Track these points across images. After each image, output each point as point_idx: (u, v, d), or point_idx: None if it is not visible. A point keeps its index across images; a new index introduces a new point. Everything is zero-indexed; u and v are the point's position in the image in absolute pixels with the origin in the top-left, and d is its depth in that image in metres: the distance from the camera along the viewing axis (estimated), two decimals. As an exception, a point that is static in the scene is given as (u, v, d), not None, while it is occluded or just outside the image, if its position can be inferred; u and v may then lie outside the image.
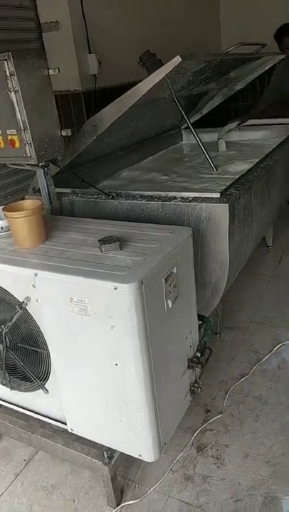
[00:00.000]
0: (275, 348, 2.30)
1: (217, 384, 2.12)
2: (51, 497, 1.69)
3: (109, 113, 1.91)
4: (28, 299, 1.41)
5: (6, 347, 1.56)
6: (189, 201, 1.82)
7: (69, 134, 1.89)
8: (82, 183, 2.13)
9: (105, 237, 1.42)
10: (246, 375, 2.15)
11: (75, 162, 2.41)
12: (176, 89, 2.69)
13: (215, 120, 3.63)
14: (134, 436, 1.42)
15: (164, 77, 1.74)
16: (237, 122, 3.38)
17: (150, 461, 1.45)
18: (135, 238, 1.46)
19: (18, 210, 1.51)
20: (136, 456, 1.46)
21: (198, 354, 1.64)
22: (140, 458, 1.45)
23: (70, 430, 1.57)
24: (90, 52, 3.03)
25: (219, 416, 1.93)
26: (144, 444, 1.42)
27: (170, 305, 1.37)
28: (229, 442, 1.80)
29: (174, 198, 1.88)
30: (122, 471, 1.72)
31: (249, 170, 2.12)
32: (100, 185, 2.54)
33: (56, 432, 1.66)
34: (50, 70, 1.78)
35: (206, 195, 1.82)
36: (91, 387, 1.41)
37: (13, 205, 1.56)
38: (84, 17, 2.93)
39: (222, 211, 1.74)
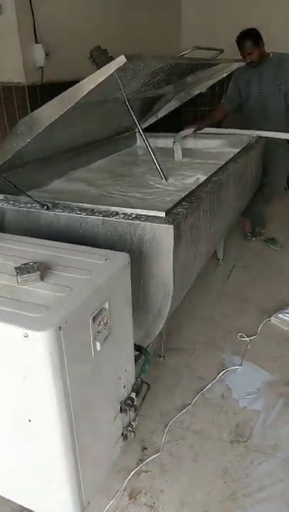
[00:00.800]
0: (220, 375, 2.17)
1: (158, 416, 1.95)
2: None
3: (45, 114, 1.69)
4: None
5: None
6: (132, 219, 1.63)
7: (-3, 135, 1.64)
8: (17, 189, 1.88)
9: (25, 264, 1.20)
10: (188, 405, 2.00)
11: (12, 163, 2.15)
12: (128, 90, 2.49)
13: (173, 125, 3.49)
14: (52, 497, 1.21)
15: (106, 79, 1.53)
16: (193, 129, 3.24)
17: (70, 525, 1.25)
18: (62, 265, 1.25)
19: None
20: (54, 518, 1.26)
21: (134, 394, 1.46)
22: (58, 521, 1.25)
23: (-20, 485, 1.34)
24: (36, 42, 2.75)
25: (156, 455, 1.76)
26: (62, 506, 1.22)
27: (98, 347, 1.17)
28: (165, 487, 1.64)
29: (116, 213, 1.69)
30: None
31: (199, 185, 1.96)
32: (40, 189, 2.30)
33: None
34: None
35: (150, 214, 1.64)
36: (3, 443, 1.19)
37: None
38: (30, 2, 2.65)
39: (166, 232, 1.57)
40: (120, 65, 1.46)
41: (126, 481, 1.66)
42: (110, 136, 3.16)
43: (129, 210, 1.68)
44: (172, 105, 3.43)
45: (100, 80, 1.53)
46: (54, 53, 2.86)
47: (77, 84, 1.58)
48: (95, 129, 2.78)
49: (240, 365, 2.24)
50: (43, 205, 1.79)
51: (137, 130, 3.49)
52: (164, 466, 1.72)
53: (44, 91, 2.87)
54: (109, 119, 2.86)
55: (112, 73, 1.53)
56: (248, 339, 2.43)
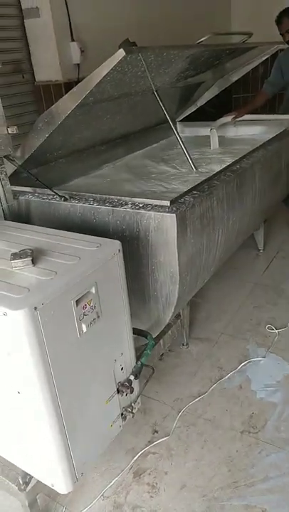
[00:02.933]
0: (241, 365, 2.14)
1: (172, 402, 1.99)
2: (-23, 514, 1.63)
3: (59, 110, 1.79)
4: None
5: None
6: (138, 208, 1.67)
7: (15, 132, 1.77)
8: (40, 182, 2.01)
9: (21, 250, 1.30)
10: (204, 393, 2.01)
11: (45, 158, 2.30)
12: (160, 81, 2.52)
13: (213, 113, 3.44)
14: (46, 465, 1.32)
15: (108, 73, 1.58)
16: (232, 116, 3.17)
17: (63, 493, 1.35)
18: (57, 251, 1.34)
19: None
20: (49, 485, 1.36)
21: (132, 377, 1.51)
22: (53, 488, 1.35)
23: (-9, 449, 1.49)
24: (72, 40, 2.87)
25: (165, 438, 1.81)
26: (55, 475, 1.32)
27: (85, 329, 1.24)
28: (169, 469, 1.68)
29: (126, 203, 1.74)
30: (53, 491, 1.62)
31: (215, 174, 1.94)
32: (74, 182, 2.42)
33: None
34: (-9, 63, 1.65)
35: (155, 203, 1.67)
36: (2, 411, 1.32)
37: None
38: (66, 2, 2.77)
39: (169, 221, 1.59)
40: (119, 59, 1.51)
41: (133, 460, 1.73)
42: (148, 127, 3.19)
43: (137, 200, 1.72)
44: (211, 93, 3.38)
45: (103, 74, 1.59)
46: (89, 50, 2.96)
47: (83, 80, 1.65)
48: (130, 122, 2.83)
49: (264, 357, 2.20)
50: (61, 197, 1.90)
51: (179, 120, 3.51)
52: (172, 450, 1.76)
53: (81, 87, 2.98)
54: (145, 111, 2.90)
55: (115, 68, 1.58)
56: (276, 331, 2.37)
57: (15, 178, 2.00)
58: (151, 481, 1.65)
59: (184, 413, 1.92)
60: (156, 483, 1.64)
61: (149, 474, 1.68)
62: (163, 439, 1.80)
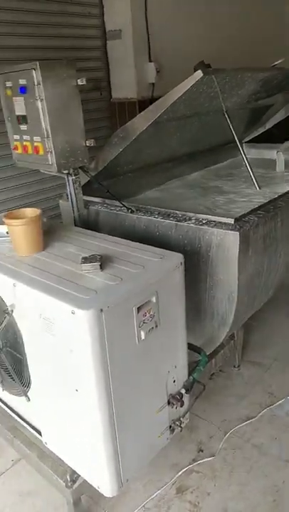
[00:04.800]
0: (293, 394, 2.07)
1: (219, 422, 1.96)
2: (23, 504, 1.70)
3: (134, 126, 1.87)
4: (13, 306, 1.42)
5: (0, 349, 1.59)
6: (201, 224, 1.70)
7: (92, 145, 1.88)
8: (110, 194, 2.11)
9: (91, 255, 1.37)
10: (253, 418, 1.96)
11: (115, 171, 2.41)
12: (231, 102, 2.56)
13: (279, 135, 3.42)
14: (94, 466, 1.36)
15: (188, 93, 1.65)
16: (301, 140, 3.13)
17: (108, 495, 1.38)
18: (123, 259, 1.40)
19: (18, 217, 1.53)
20: (95, 487, 1.40)
21: (183, 391, 1.52)
22: (99, 490, 1.39)
23: (44, 443, 1.56)
24: (150, 61, 3.00)
25: (210, 458, 1.78)
26: (102, 477, 1.35)
27: (143, 336, 1.28)
28: (212, 490, 1.66)
29: (189, 218, 1.78)
30: (97, 495, 1.66)
31: (281, 195, 1.93)
32: (139, 196, 2.51)
33: (35, 441, 1.66)
34: (78, 80, 1.77)
35: (219, 220, 1.69)
36: (57, 407, 1.38)
37: (14, 212, 1.58)
38: (147, 26, 2.91)
39: (232, 239, 1.60)
40: (197, 79, 1.56)
41: (176, 475, 1.72)
42: (214, 146, 3.23)
43: (201, 216, 1.75)
44: (281, 115, 3.36)
45: (179, 94, 1.65)
46: (164, 70, 3.08)
47: (160, 99, 1.73)
48: (198, 140, 2.89)
49: None
50: (128, 209, 1.98)
51: (245, 140, 3.52)
52: (216, 471, 1.73)
53: (153, 105, 3.10)
54: (213, 130, 2.94)
55: (191, 88, 1.64)
56: None
57: (87, 189, 2.11)
58: (193, 499, 1.63)
59: (230, 435, 1.89)
60: (198, 503, 1.62)
61: (192, 492, 1.66)
62: (208, 459, 1.78)
